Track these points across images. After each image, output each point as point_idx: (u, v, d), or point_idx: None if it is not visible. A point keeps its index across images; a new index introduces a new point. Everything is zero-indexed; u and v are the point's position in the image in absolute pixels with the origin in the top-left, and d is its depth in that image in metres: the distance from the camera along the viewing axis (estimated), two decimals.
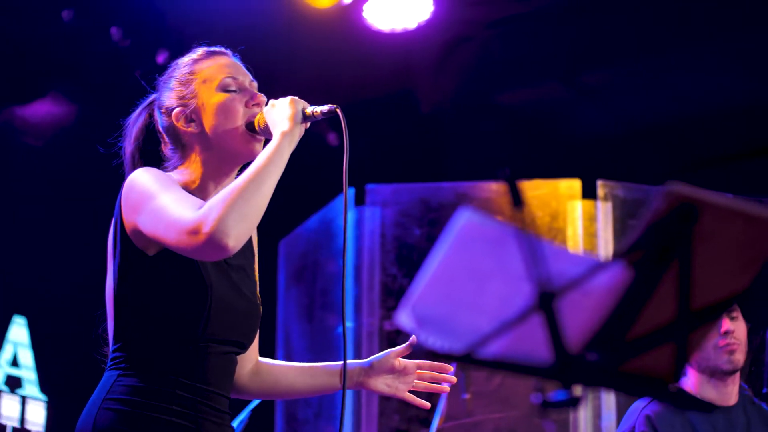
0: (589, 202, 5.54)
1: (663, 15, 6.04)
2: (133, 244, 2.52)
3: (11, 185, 5.94)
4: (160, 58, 5.71)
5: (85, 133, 5.94)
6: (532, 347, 1.57)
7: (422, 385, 2.92)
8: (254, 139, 2.67)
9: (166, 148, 2.77)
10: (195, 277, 2.51)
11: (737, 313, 4.04)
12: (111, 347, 2.61)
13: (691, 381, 4.06)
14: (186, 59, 2.77)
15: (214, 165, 2.69)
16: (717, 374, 4.00)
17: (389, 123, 6.76)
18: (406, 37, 6.08)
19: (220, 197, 2.39)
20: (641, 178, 5.58)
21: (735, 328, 4.00)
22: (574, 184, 5.59)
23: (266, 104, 2.68)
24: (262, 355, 2.93)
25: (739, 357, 4.00)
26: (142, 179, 2.53)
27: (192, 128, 2.69)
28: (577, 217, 5.51)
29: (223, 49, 2.79)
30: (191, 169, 2.70)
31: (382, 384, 2.88)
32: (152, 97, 2.82)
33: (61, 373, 5.97)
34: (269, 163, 2.48)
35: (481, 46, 6.43)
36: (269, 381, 2.91)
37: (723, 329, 3.97)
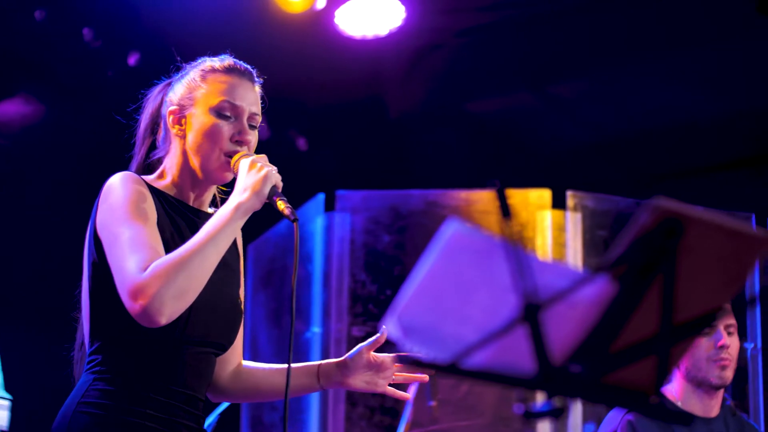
0: (558, 212, 5.55)
1: (633, 26, 6.08)
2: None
3: None
4: (131, 60, 5.68)
5: (54, 133, 5.92)
6: (516, 358, 1.58)
7: (401, 377, 2.91)
8: (228, 168, 2.65)
9: (159, 136, 2.78)
10: None
11: (734, 329, 3.99)
12: (87, 350, 2.60)
13: (676, 388, 4.02)
14: (208, 64, 2.74)
15: (188, 176, 2.70)
16: (704, 386, 3.97)
17: (360, 129, 6.76)
18: (376, 43, 6.09)
19: (163, 266, 2.36)
20: (611, 188, 5.60)
21: (731, 343, 3.96)
22: (544, 194, 5.60)
23: (251, 150, 2.66)
24: None
25: (729, 374, 3.96)
26: (116, 195, 2.52)
27: (176, 131, 2.71)
28: (547, 227, 5.52)
29: (245, 69, 2.74)
30: (172, 173, 2.71)
31: (361, 381, 2.88)
32: (174, 78, 2.81)
33: (26, 373, 5.93)
34: (217, 235, 2.45)
35: (452, 54, 6.44)
36: (250, 383, 2.91)
37: (720, 343, 3.93)
